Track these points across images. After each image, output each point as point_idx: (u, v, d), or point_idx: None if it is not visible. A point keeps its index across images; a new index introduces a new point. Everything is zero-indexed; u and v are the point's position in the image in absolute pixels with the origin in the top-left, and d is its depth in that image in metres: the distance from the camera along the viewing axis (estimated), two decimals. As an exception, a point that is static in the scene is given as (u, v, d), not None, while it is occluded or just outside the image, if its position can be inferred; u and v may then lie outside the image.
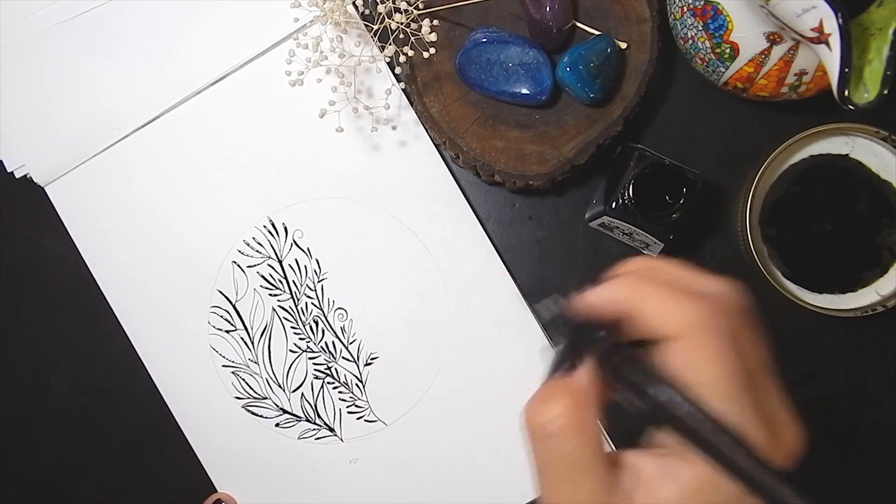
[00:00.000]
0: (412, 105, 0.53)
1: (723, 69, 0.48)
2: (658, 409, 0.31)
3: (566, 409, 0.32)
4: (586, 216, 0.54)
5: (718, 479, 0.31)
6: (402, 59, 0.49)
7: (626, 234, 0.52)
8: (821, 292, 0.53)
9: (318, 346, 0.55)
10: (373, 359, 0.55)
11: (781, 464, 0.32)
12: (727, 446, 0.30)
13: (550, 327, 0.36)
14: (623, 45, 0.51)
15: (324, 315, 0.55)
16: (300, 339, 0.55)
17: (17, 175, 0.54)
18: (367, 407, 0.55)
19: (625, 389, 0.32)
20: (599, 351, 0.32)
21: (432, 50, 0.49)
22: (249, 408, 0.55)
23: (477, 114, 0.52)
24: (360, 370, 0.55)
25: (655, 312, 0.32)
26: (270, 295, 0.55)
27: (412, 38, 0.49)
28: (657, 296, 0.33)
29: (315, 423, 0.55)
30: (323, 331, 0.55)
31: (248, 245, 0.55)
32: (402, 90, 0.52)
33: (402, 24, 0.48)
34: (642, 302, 0.33)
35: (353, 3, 0.49)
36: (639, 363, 0.32)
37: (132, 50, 0.54)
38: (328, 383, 0.55)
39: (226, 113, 0.55)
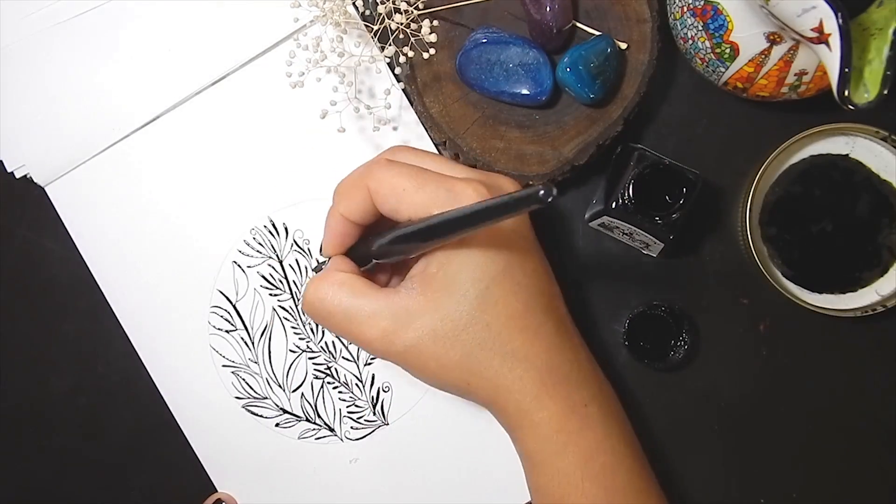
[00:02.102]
0: (412, 105, 0.53)
1: (723, 69, 0.48)
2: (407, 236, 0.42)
3: (318, 282, 0.44)
4: (586, 216, 0.54)
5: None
6: (402, 59, 0.49)
7: (626, 234, 0.52)
8: (821, 292, 0.53)
9: (318, 346, 0.55)
10: (373, 358, 0.55)
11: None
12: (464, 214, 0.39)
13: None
14: (623, 46, 0.51)
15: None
16: (300, 338, 0.55)
17: (18, 175, 0.54)
18: (367, 407, 0.55)
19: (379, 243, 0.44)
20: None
21: (432, 50, 0.49)
22: (249, 408, 0.55)
23: (477, 114, 0.52)
24: (360, 370, 0.55)
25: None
26: (271, 295, 0.55)
27: (412, 39, 0.49)
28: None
29: (315, 423, 0.55)
30: (323, 331, 0.55)
31: (248, 245, 0.55)
32: (402, 90, 0.52)
33: (402, 24, 0.48)
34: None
35: (354, 4, 0.49)
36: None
37: (132, 50, 0.54)
38: (328, 383, 0.55)
39: (226, 113, 0.55)
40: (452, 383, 0.44)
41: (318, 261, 0.54)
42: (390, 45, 0.49)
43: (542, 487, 0.44)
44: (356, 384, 0.55)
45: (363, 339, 0.43)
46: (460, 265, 0.42)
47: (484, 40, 0.50)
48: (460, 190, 0.42)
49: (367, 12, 0.50)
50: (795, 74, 0.47)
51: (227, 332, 0.55)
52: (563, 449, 0.43)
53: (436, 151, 0.52)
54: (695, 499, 0.54)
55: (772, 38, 0.45)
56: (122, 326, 0.54)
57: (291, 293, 0.55)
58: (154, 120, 0.54)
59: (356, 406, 0.55)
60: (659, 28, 0.50)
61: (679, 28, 0.50)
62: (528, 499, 0.53)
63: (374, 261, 0.46)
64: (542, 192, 0.34)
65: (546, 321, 0.44)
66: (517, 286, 0.43)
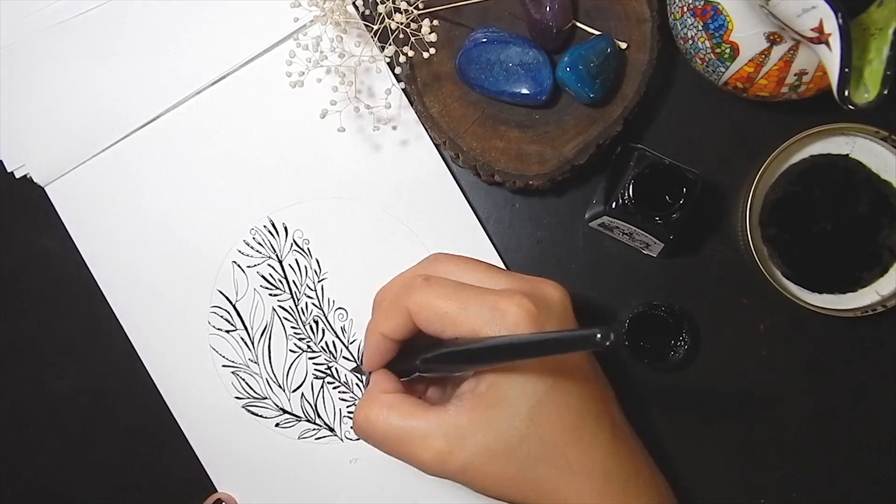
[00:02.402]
0: (412, 105, 0.53)
1: (723, 69, 0.48)
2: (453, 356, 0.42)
3: (367, 407, 0.44)
4: (586, 216, 0.54)
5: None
6: (401, 59, 0.49)
7: (626, 234, 0.52)
8: (821, 292, 0.53)
9: (319, 346, 0.55)
10: (373, 359, 0.55)
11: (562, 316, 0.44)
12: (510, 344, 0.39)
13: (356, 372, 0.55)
14: (623, 45, 0.51)
15: (324, 315, 0.55)
16: (300, 338, 0.55)
17: (18, 175, 0.54)
18: (367, 407, 0.55)
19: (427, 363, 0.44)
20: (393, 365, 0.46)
21: (432, 50, 0.49)
22: (249, 408, 0.55)
23: (477, 114, 0.52)
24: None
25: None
26: (270, 295, 0.55)
27: (412, 39, 0.49)
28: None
29: (315, 423, 0.55)
30: (323, 330, 0.55)
31: (248, 245, 0.55)
32: (402, 90, 0.52)
33: (402, 24, 0.48)
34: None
35: (354, 3, 0.49)
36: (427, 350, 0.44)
37: (132, 50, 0.54)
38: (328, 383, 0.55)
39: (226, 113, 0.55)
40: (512, 498, 0.43)
41: (357, 364, 0.55)
42: (390, 44, 0.49)
43: None
44: (356, 384, 0.55)
45: (417, 460, 0.43)
46: (511, 383, 0.42)
47: (484, 40, 0.50)
48: (505, 308, 0.41)
49: (367, 12, 0.50)
50: (795, 74, 0.47)
51: (226, 332, 0.55)
52: None
53: (475, 259, 0.48)
54: (695, 499, 0.54)
55: (772, 38, 0.45)
56: (122, 326, 0.54)
57: (291, 293, 0.55)
58: (154, 120, 0.54)
59: (356, 406, 0.55)
60: (659, 28, 0.50)
61: (679, 28, 0.50)
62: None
63: (418, 374, 0.45)
64: (598, 336, 0.33)
65: (601, 430, 0.43)
66: (569, 397, 0.42)
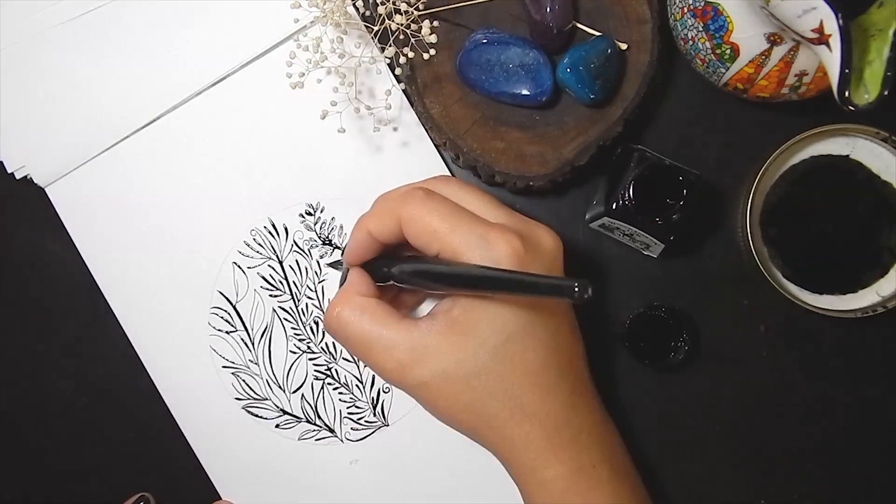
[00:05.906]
0: (412, 106, 0.53)
1: (723, 70, 0.48)
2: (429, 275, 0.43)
3: (340, 306, 0.44)
4: (587, 217, 0.54)
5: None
6: (402, 60, 0.49)
7: (627, 235, 0.52)
8: (821, 293, 0.53)
9: (319, 347, 0.55)
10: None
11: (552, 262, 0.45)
12: (486, 275, 0.40)
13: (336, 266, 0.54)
14: (623, 46, 0.51)
15: (324, 316, 0.55)
16: (300, 340, 0.55)
17: (18, 176, 0.54)
18: (367, 408, 0.55)
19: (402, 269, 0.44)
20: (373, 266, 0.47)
21: (432, 51, 0.49)
22: (250, 409, 0.55)
23: (477, 115, 0.52)
24: (361, 371, 0.55)
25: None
26: (271, 296, 0.55)
27: (412, 40, 0.49)
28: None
29: (315, 424, 0.55)
30: (323, 332, 0.55)
31: (248, 246, 0.55)
32: (403, 91, 0.52)
33: (402, 25, 0.48)
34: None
35: (354, 4, 0.49)
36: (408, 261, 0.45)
37: (132, 51, 0.54)
38: (328, 384, 0.55)
39: (227, 114, 0.55)
40: (460, 425, 0.44)
41: (339, 262, 0.54)
42: (390, 45, 0.49)
43: None
44: (356, 385, 0.55)
45: (378, 367, 0.44)
46: (484, 314, 0.42)
47: (484, 41, 0.50)
48: (493, 239, 0.42)
49: (368, 13, 0.50)
50: (796, 75, 0.47)
51: (227, 333, 0.55)
52: None
53: (479, 187, 0.50)
54: (695, 500, 0.54)
55: (772, 38, 0.45)
56: (122, 327, 0.54)
57: (291, 294, 0.55)
58: (154, 121, 0.54)
59: (356, 407, 0.55)
60: (659, 29, 0.50)
61: (679, 29, 0.50)
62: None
63: (393, 282, 0.46)
64: (576, 289, 0.35)
65: (562, 381, 0.44)
66: (537, 342, 0.43)
